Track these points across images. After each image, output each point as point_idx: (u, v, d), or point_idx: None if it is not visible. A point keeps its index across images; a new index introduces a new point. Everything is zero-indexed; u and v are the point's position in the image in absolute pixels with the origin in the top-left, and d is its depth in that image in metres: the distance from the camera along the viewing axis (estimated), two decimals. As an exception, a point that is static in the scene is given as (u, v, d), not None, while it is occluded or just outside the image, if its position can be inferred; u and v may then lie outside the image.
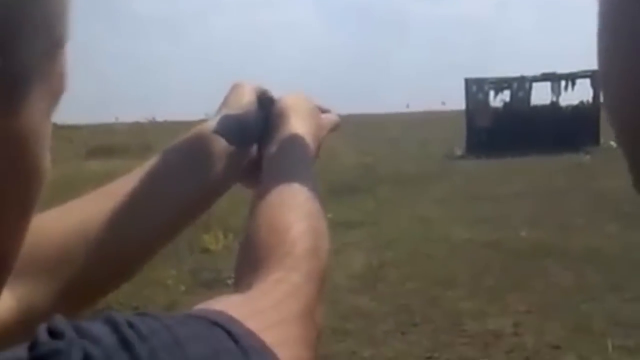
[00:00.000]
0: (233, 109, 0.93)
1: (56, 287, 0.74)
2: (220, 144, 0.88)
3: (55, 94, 0.49)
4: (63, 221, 0.78)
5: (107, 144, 26.70)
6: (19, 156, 0.46)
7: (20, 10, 0.43)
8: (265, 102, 0.96)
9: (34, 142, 0.47)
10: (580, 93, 22.90)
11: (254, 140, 0.93)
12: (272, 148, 0.87)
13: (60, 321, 0.44)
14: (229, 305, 0.55)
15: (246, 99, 0.94)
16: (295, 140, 0.88)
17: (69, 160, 19.28)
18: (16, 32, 0.43)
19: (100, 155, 22.69)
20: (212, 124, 0.89)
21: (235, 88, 0.97)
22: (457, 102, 26.05)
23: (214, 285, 6.80)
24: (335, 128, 1.02)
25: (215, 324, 0.50)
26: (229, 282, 6.79)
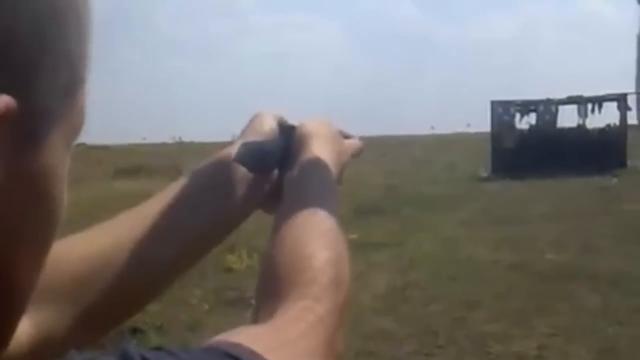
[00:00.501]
0: (254, 136, 0.92)
1: (76, 313, 0.74)
2: (241, 172, 0.88)
3: (74, 130, 0.49)
4: (84, 247, 0.78)
5: (134, 165, 26.82)
6: (38, 193, 0.46)
7: (41, 49, 0.43)
8: (286, 128, 0.95)
9: (53, 178, 0.47)
10: (607, 116, 22.72)
11: (275, 166, 0.92)
12: (293, 173, 0.87)
13: (74, 357, 0.44)
14: (250, 337, 0.55)
15: (267, 127, 0.94)
16: (316, 166, 0.87)
17: (97, 180, 19.42)
18: (36, 70, 0.43)
19: (127, 176, 22.78)
20: (232, 151, 0.89)
21: (256, 116, 0.96)
22: (482, 124, 25.93)
23: (238, 305, 6.80)
24: (358, 154, 1.00)
25: (235, 358, 0.50)
26: (253, 302, 6.76)
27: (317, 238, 0.72)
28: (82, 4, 0.47)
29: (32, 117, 0.43)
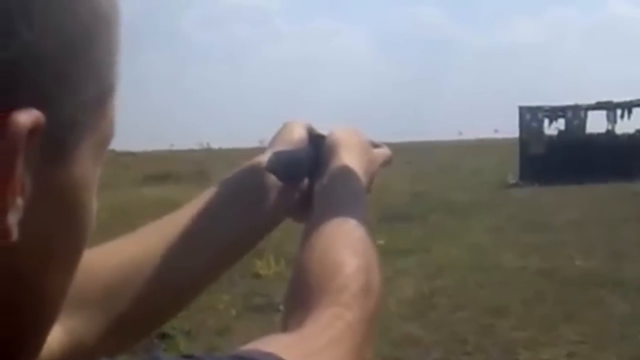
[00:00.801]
0: (284, 146, 0.92)
1: (107, 320, 0.74)
2: (272, 179, 0.88)
3: (104, 141, 0.49)
4: (115, 256, 0.78)
5: (162, 171, 26.98)
6: (68, 205, 0.46)
7: (69, 62, 0.43)
8: (315, 137, 0.96)
9: (83, 190, 0.47)
10: (637, 121, 22.52)
11: (305, 175, 0.92)
12: (323, 182, 0.87)
13: None
14: (280, 346, 0.55)
15: (297, 135, 0.94)
16: (346, 175, 0.87)
17: (126, 186, 19.56)
18: (65, 83, 0.43)
19: (155, 182, 22.93)
20: (263, 160, 0.89)
21: (285, 126, 0.97)
22: (510, 130, 25.83)
23: (266, 311, 6.82)
24: (387, 162, 1.00)
25: None
26: (281, 307, 6.78)
27: (347, 246, 0.73)
28: (111, 12, 0.47)
29: (61, 130, 0.44)
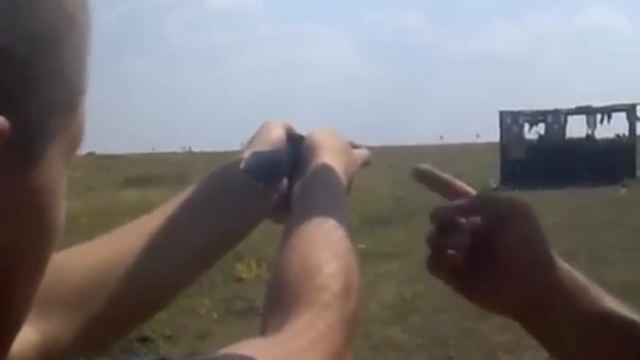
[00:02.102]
0: (262, 146, 0.91)
1: (82, 322, 0.73)
2: (249, 180, 0.87)
3: (73, 144, 0.48)
4: (91, 257, 0.77)
5: (143, 174, 26.89)
6: (35, 210, 0.45)
7: (36, 67, 0.42)
8: (294, 137, 0.95)
9: (50, 194, 0.46)
10: (616, 126, 22.74)
11: (283, 176, 0.91)
12: (303, 183, 0.86)
13: None
14: (256, 350, 0.54)
15: (275, 136, 0.93)
16: (325, 175, 0.86)
17: (107, 189, 19.49)
18: (31, 88, 0.42)
19: (137, 185, 22.82)
20: (240, 161, 0.88)
21: (264, 126, 0.95)
22: (492, 134, 25.96)
23: (247, 315, 6.81)
24: (366, 163, 1.00)
25: None
26: (261, 311, 6.78)
27: (326, 247, 0.72)
28: (80, 13, 0.46)
29: (28, 136, 0.43)
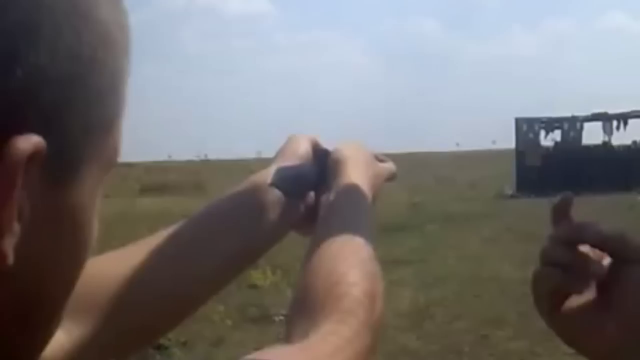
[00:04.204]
0: (289, 160, 0.93)
1: (109, 330, 0.74)
2: (275, 195, 0.88)
3: (107, 165, 0.49)
4: (119, 266, 0.79)
5: (160, 182, 26.97)
6: (67, 228, 0.46)
7: (73, 87, 0.43)
8: (320, 152, 0.96)
9: (83, 213, 0.47)
10: (633, 133, 22.62)
11: (310, 190, 0.93)
12: (329, 196, 0.87)
13: None
14: (283, 355, 0.56)
15: (302, 150, 0.95)
16: (351, 189, 0.88)
17: (123, 197, 19.54)
18: (68, 108, 0.43)
19: (153, 193, 22.93)
20: (268, 175, 0.90)
21: (290, 140, 0.97)
22: (508, 141, 25.86)
23: (261, 322, 6.82)
24: (392, 177, 1.02)
25: None
26: (276, 318, 6.79)
27: (348, 259, 0.73)
28: (120, 37, 0.47)
29: (64, 154, 0.43)
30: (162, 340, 5.87)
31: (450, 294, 8.11)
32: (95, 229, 0.50)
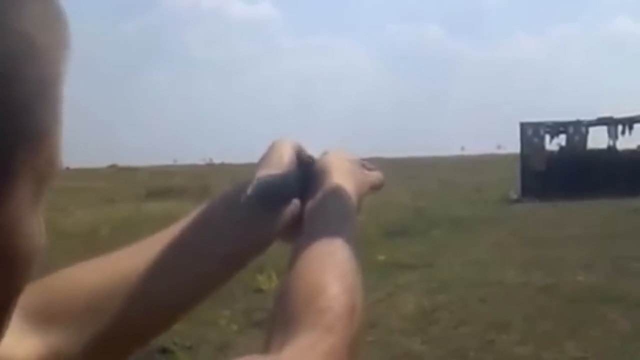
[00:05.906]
0: (272, 168, 0.90)
1: (92, 336, 0.73)
2: (255, 207, 0.86)
3: (41, 181, 0.46)
4: (100, 272, 0.77)
5: (165, 186, 27.00)
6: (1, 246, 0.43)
7: None
8: (304, 159, 0.95)
9: (16, 231, 0.44)
10: (638, 137, 22.62)
11: (293, 198, 0.90)
12: (313, 204, 0.87)
13: None
14: None
15: (286, 158, 0.92)
16: (335, 197, 0.87)
17: (128, 201, 19.57)
18: None
19: (158, 197, 22.93)
20: (251, 185, 0.87)
21: (275, 146, 0.94)
22: (513, 145, 25.87)
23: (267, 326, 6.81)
24: (378, 186, 1.00)
25: None
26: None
27: (330, 270, 0.72)
28: (43, 37, 0.44)
29: None
30: (167, 345, 5.89)
31: (455, 298, 8.10)
32: (35, 247, 0.47)
